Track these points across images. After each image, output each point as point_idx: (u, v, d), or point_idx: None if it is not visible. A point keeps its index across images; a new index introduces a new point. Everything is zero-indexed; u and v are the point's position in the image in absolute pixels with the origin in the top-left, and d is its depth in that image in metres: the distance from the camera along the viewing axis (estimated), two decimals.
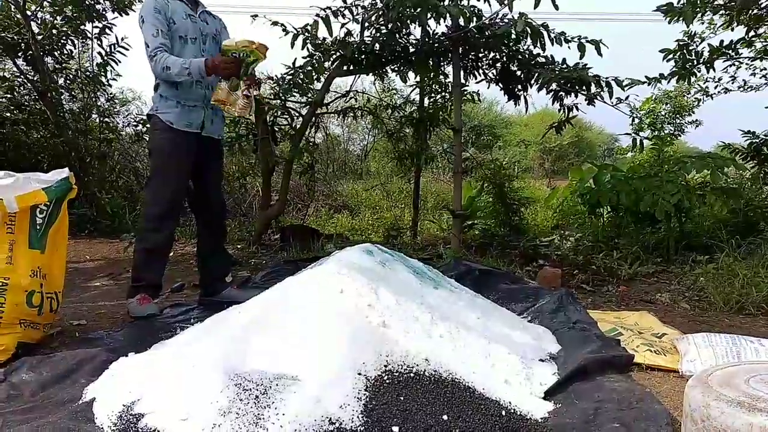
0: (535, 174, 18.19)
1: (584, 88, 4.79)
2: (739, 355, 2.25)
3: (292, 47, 4.70)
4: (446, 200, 9.12)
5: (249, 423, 1.65)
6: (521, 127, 22.19)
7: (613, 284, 3.98)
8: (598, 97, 4.80)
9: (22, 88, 6.78)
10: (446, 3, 4.35)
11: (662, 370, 2.33)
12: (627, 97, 4.86)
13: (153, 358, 2.18)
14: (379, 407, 1.78)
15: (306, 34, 4.71)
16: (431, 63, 5.34)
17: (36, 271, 2.50)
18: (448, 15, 4.35)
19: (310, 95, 5.24)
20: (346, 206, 9.62)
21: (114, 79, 7.01)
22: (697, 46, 5.31)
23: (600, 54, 4.47)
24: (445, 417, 1.78)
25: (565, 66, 4.79)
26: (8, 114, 6.68)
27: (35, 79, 6.50)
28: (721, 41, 5.22)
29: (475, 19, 4.67)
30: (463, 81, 5.20)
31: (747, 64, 6.47)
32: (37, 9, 6.38)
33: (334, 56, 5.10)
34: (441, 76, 5.64)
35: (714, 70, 5.49)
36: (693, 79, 5.71)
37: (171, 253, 5.08)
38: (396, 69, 5.44)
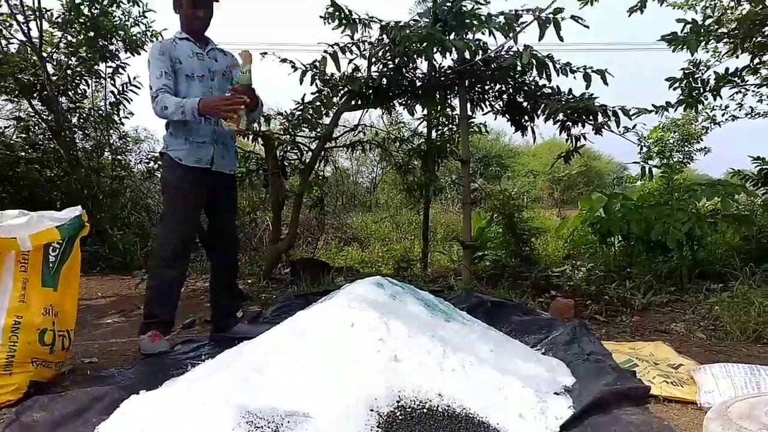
0: (545, 204, 18.16)
1: (591, 117, 4.82)
2: (759, 385, 2.20)
3: (300, 83, 4.77)
4: (456, 231, 9.11)
5: None
6: (529, 158, 22.26)
7: (626, 314, 3.93)
8: (606, 126, 4.83)
9: (36, 127, 6.91)
10: (452, 37, 4.42)
11: (680, 402, 2.29)
12: (634, 126, 4.88)
13: (164, 395, 2.17)
14: None
15: (314, 70, 4.79)
16: (438, 96, 5.40)
17: (48, 309, 2.51)
18: (453, 49, 4.41)
19: (319, 130, 5.30)
20: (355, 239, 9.63)
21: (126, 118, 7.15)
22: (702, 74, 5.34)
23: (606, 83, 4.51)
24: None
25: (571, 96, 4.82)
26: (23, 153, 6.80)
27: (50, 118, 6.62)
28: (727, 69, 5.26)
29: (480, 52, 4.73)
30: (469, 113, 5.24)
31: (753, 91, 6.50)
32: (53, 51, 6.54)
33: (342, 91, 5.16)
34: (448, 109, 5.69)
35: (721, 97, 5.52)
36: (700, 107, 5.74)
37: (182, 289, 5.11)
38: (403, 102, 5.51)
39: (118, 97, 6.85)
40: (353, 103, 5.25)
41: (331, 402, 1.88)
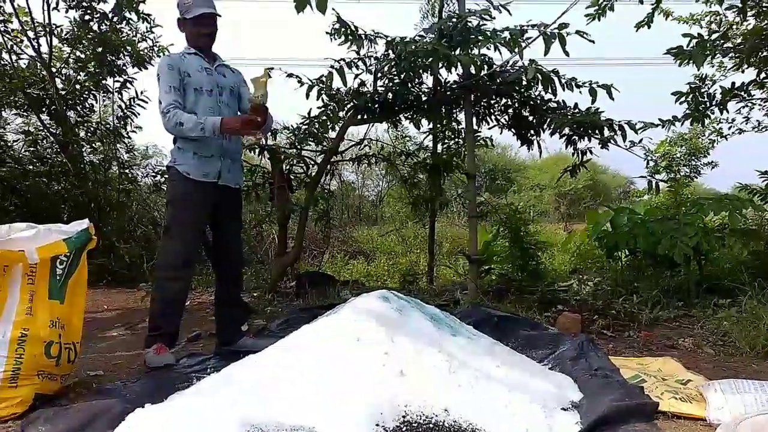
0: (551, 218, 18.14)
1: (597, 132, 4.83)
2: None
3: (307, 98, 4.80)
4: (462, 245, 9.09)
5: None
6: (535, 171, 22.26)
7: (634, 329, 3.90)
8: (612, 140, 4.83)
9: (44, 141, 6.97)
10: (457, 52, 4.44)
11: (688, 418, 2.26)
12: (641, 140, 4.89)
13: (169, 409, 2.16)
14: None
15: (321, 85, 4.82)
16: (443, 110, 5.42)
17: (55, 322, 2.52)
18: (459, 64, 4.43)
19: (325, 144, 5.32)
20: (361, 252, 9.63)
21: (134, 131, 7.20)
22: (708, 88, 5.34)
23: (612, 98, 4.52)
24: None
25: (577, 111, 4.83)
26: (31, 166, 6.85)
27: (58, 132, 6.68)
28: (733, 83, 5.25)
29: (485, 67, 4.76)
30: (475, 127, 5.25)
31: (760, 105, 6.48)
32: (62, 66, 6.61)
33: (348, 106, 5.19)
34: (454, 123, 5.71)
35: (727, 111, 5.51)
36: (707, 121, 5.73)
37: (187, 302, 5.12)
38: (409, 117, 5.53)
39: (125, 111, 6.91)
40: (359, 117, 5.27)
41: (336, 416, 1.87)
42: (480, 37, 4.43)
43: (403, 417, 1.92)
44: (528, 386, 2.32)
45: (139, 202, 7.68)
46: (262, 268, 6.97)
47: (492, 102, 5.32)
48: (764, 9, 5.03)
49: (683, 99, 5.31)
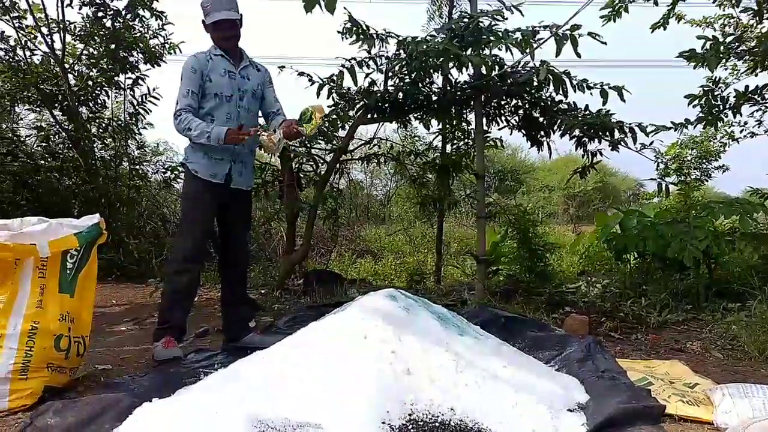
0: (560, 219, 18.06)
1: (607, 134, 4.81)
2: None
3: (317, 96, 4.83)
4: (470, 245, 9.07)
5: None
6: (545, 173, 22.19)
7: (642, 332, 3.88)
8: (622, 142, 4.81)
9: (56, 136, 7.02)
10: (468, 53, 4.44)
11: (695, 421, 2.25)
12: (651, 143, 4.86)
13: (177, 403, 2.18)
14: None
15: (331, 83, 4.83)
16: (453, 110, 5.41)
17: (65, 315, 2.54)
18: (470, 64, 4.42)
19: (334, 143, 5.33)
20: (369, 251, 9.63)
21: (145, 128, 7.25)
22: (722, 91, 5.29)
23: (623, 100, 4.50)
24: None
25: (588, 112, 4.82)
26: (43, 161, 6.90)
27: (70, 128, 6.73)
28: (746, 86, 5.21)
29: (497, 67, 4.75)
30: (485, 128, 5.24)
31: None
32: (75, 62, 6.65)
33: (359, 105, 5.20)
34: (463, 123, 5.70)
35: (741, 115, 5.46)
36: (720, 124, 5.68)
37: (196, 298, 5.14)
38: (419, 116, 5.53)
39: (137, 107, 6.95)
40: (369, 116, 5.27)
41: (343, 414, 1.87)
42: (491, 38, 4.42)
43: (410, 415, 1.92)
44: (535, 387, 2.31)
45: (149, 198, 7.73)
46: (270, 265, 6.99)
47: (502, 103, 5.31)
48: None
49: (696, 102, 5.27)
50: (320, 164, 5.58)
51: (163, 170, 7.55)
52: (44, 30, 6.29)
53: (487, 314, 3.82)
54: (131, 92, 6.94)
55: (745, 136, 7.22)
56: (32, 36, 6.47)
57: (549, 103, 5.02)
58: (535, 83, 4.80)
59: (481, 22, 4.55)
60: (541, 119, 5.17)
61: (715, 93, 5.27)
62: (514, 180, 19.75)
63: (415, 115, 5.51)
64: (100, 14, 6.37)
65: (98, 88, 6.88)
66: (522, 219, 5.51)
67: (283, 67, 4.89)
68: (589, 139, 4.96)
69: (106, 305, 4.91)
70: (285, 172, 5.27)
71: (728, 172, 11.41)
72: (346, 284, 5.52)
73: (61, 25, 6.32)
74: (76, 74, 6.74)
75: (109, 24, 6.43)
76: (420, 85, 5.06)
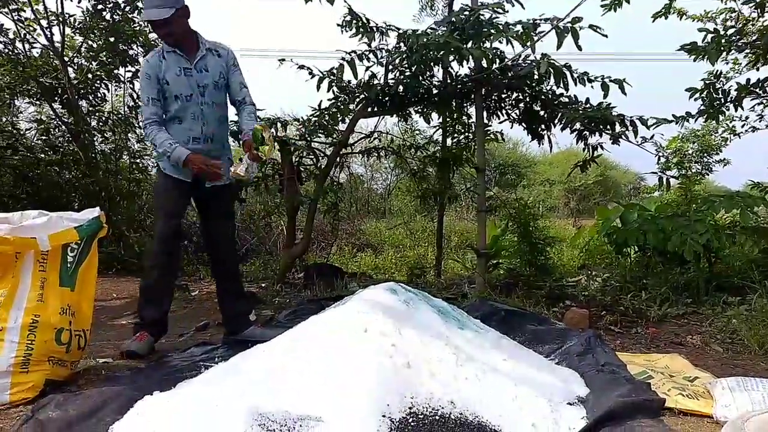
0: (560, 213, 18.04)
1: (608, 127, 4.80)
2: None
3: (318, 90, 4.81)
4: (470, 239, 9.08)
5: None
6: (546, 166, 22.13)
7: (642, 326, 3.89)
8: (623, 136, 4.80)
9: (56, 130, 7.01)
10: (469, 45, 4.42)
11: (695, 415, 2.26)
12: (652, 136, 4.85)
13: (178, 396, 2.18)
14: None
15: (331, 77, 4.82)
16: (454, 104, 5.40)
17: (65, 309, 2.55)
18: (470, 57, 4.41)
19: (335, 136, 5.32)
20: (369, 245, 9.63)
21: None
22: (723, 84, 5.27)
23: (624, 93, 4.48)
24: None
25: (588, 105, 4.80)
26: (43, 155, 6.89)
27: (69, 121, 6.72)
28: (748, 80, 5.19)
29: (497, 60, 4.73)
30: (486, 121, 5.24)
31: None
32: (74, 55, 6.64)
33: (359, 98, 5.19)
34: (464, 117, 5.69)
35: (742, 108, 5.44)
36: (721, 117, 5.66)
37: (195, 292, 5.15)
38: (419, 110, 5.53)
39: (136, 101, 6.94)
40: (369, 109, 5.27)
41: (343, 407, 1.88)
42: (492, 31, 4.40)
43: (410, 408, 1.93)
44: (534, 380, 2.32)
45: (149, 191, 7.72)
46: (270, 258, 7.00)
47: (503, 96, 5.30)
48: None
49: (697, 95, 5.25)
50: (320, 158, 5.58)
51: None
52: (43, 23, 6.28)
53: (487, 308, 3.82)
54: (131, 85, 6.94)
55: (746, 130, 7.20)
56: (31, 29, 6.46)
57: (550, 96, 5.02)
58: (536, 76, 4.79)
59: (482, 14, 4.53)
60: (541, 112, 5.16)
61: (717, 86, 5.26)
62: (514, 174, 19.73)
63: (416, 108, 5.50)
64: (99, 7, 6.35)
65: (98, 81, 6.87)
66: (522, 213, 5.50)
67: (283, 60, 4.87)
68: (590, 133, 4.96)
69: (106, 299, 4.92)
70: (285, 166, 5.27)
71: (729, 166, 11.40)
72: (346, 278, 5.53)
73: (61, 18, 6.30)
74: (75, 67, 6.72)
75: (108, 17, 6.41)
76: (420, 78, 5.05)
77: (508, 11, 4.57)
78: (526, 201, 6.79)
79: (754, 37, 5.35)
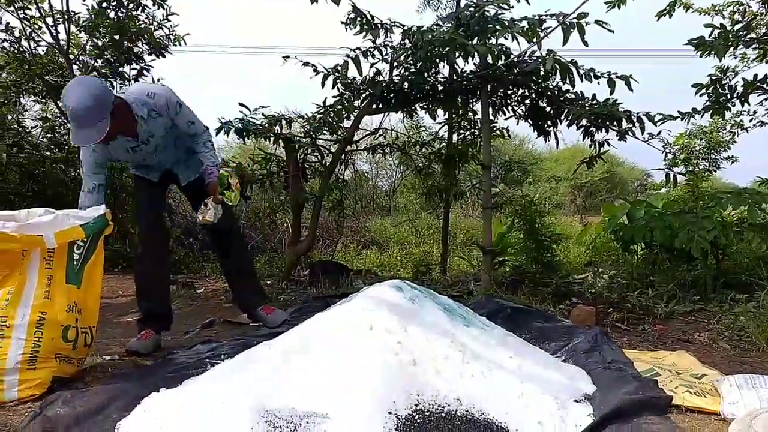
0: (567, 210, 18.01)
1: (615, 123, 4.78)
2: None
3: (322, 87, 4.81)
4: (476, 236, 9.06)
5: None
6: (552, 163, 22.10)
7: (649, 323, 3.87)
8: (630, 132, 4.78)
9: (62, 127, 7.03)
10: (474, 42, 4.41)
11: (703, 412, 2.24)
12: (659, 133, 4.83)
13: (184, 393, 2.19)
14: None
15: (336, 73, 4.81)
16: (460, 100, 5.39)
17: (72, 306, 2.55)
18: (476, 53, 4.39)
19: (339, 133, 5.31)
20: (374, 242, 9.64)
21: None
22: (730, 80, 5.24)
23: (630, 89, 4.46)
24: None
25: (595, 102, 4.78)
26: (48, 153, 6.92)
27: None
28: (755, 75, 5.15)
29: (503, 57, 4.71)
30: (491, 118, 5.22)
31: None
32: (80, 53, 6.65)
33: (364, 95, 5.18)
34: (469, 113, 5.68)
35: (749, 104, 5.40)
36: (728, 115, 5.63)
37: (201, 289, 5.16)
38: (424, 106, 5.51)
39: None
40: (374, 106, 5.26)
41: (349, 404, 1.88)
42: (498, 27, 4.39)
43: (416, 406, 1.92)
44: (541, 378, 2.31)
45: None
46: (275, 256, 7.01)
47: (509, 92, 5.28)
48: None
49: (704, 91, 5.22)
50: (325, 155, 5.58)
51: None
52: (49, 21, 6.28)
53: (493, 305, 3.81)
54: (136, 83, 6.94)
55: (754, 125, 7.15)
56: (37, 27, 6.47)
57: (556, 92, 5.00)
58: (542, 73, 4.77)
59: (487, 11, 4.52)
60: (547, 109, 5.14)
61: (723, 82, 5.22)
62: (520, 170, 19.70)
63: (421, 104, 5.49)
64: (104, 5, 6.36)
65: (103, 79, 6.88)
66: (528, 210, 5.49)
67: (288, 57, 4.87)
68: (597, 129, 4.94)
69: (112, 296, 4.94)
70: (290, 163, 5.27)
71: (737, 163, 11.33)
72: (351, 275, 5.52)
73: (66, 16, 6.31)
74: (80, 65, 6.74)
75: (113, 14, 6.42)
76: (426, 74, 5.04)
77: (513, 7, 4.54)
78: (532, 198, 6.77)
79: (762, 32, 5.31)
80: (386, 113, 5.74)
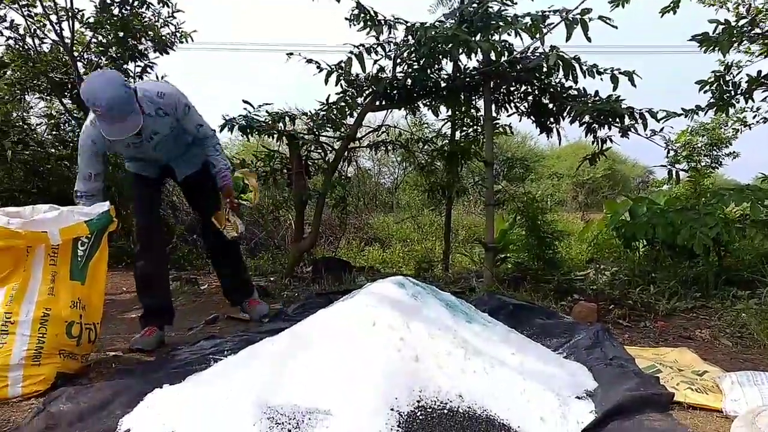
0: (569, 207, 17.99)
1: (617, 120, 4.77)
2: None
3: (326, 84, 4.81)
4: (478, 233, 9.07)
5: None
6: (554, 160, 22.05)
7: (650, 320, 3.87)
8: (632, 129, 4.78)
9: (66, 125, 7.05)
10: (477, 38, 4.41)
11: (704, 409, 2.25)
12: (662, 129, 4.83)
13: (187, 389, 2.20)
14: None
15: (340, 70, 4.81)
16: (462, 97, 5.39)
17: (76, 302, 2.57)
18: (479, 50, 4.40)
19: (343, 130, 5.32)
20: (377, 239, 9.65)
21: None
22: (734, 76, 5.22)
23: (634, 85, 4.46)
24: None
25: (597, 98, 4.78)
26: (53, 150, 6.93)
27: (80, 116, 6.75)
28: (759, 72, 5.14)
29: (506, 53, 4.71)
30: (494, 114, 5.22)
31: None
32: (84, 50, 6.66)
33: (367, 92, 5.18)
34: (472, 110, 5.68)
35: (753, 100, 5.38)
36: (731, 110, 5.61)
37: (204, 286, 5.17)
38: (428, 103, 5.51)
39: None
40: (377, 103, 5.26)
41: (351, 400, 1.89)
42: (501, 23, 4.39)
43: (418, 402, 1.93)
44: (543, 374, 2.32)
45: None
46: (279, 253, 7.02)
47: (512, 89, 5.28)
48: None
49: (707, 88, 5.20)
50: (328, 152, 5.58)
51: None
52: (53, 18, 6.29)
53: (495, 301, 3.82)
54: (140, 80, 6.95)
55: (758, 121, 7.14)
56: (41, 24, 6.48)
57: (558, 89, 4.99)
58: (545, 69, 4.77)
59: (491, 7, 4.51)
60: (550, 105, 5.14)
61: (727, 78, 5.20)
62: (522, 167, 19.67)
63: (424, 101, 5.49)
64: (108, 2, 6.36)
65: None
66: (530, 206, 5.49)
67: (291, 54, 4.88)
68: (599, 126, 4.93)
69: (116, 292, 4.95)
70: (293, 160, 5.28)
71: (739, 159, 11.31)
72: (354, 272, 5.54)
73: (70, 13, 6.31)
74: (85, 62, 6.75)
75: (117, 11, 6.43)
76: (429, 71, 5.04)
77: (516, 3, 4.56)
78: (535, 195, 6.77)
79: (766, 27, 5.29)
80: (389, 110, 5.74)
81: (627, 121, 4.74)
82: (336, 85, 4.92)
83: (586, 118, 4.84)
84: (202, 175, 3.42)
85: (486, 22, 4.47)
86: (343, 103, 5.00)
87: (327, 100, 5.10)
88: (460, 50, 4.39)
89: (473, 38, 4.33)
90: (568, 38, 3.99)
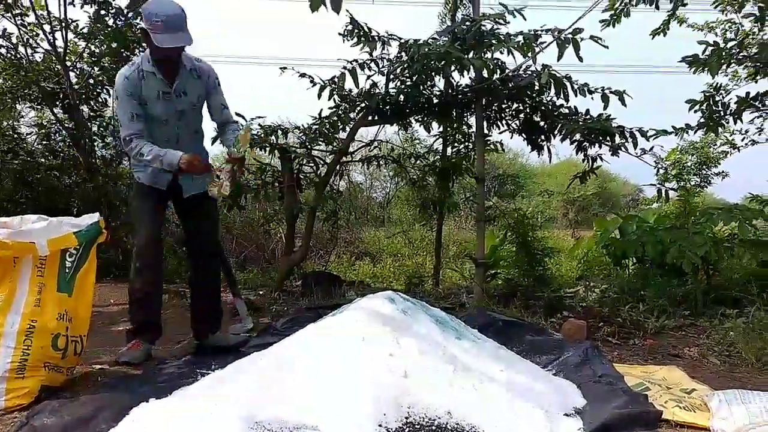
0: (559, 224, 18.07)
1: (608, 138, 4.81)
2: None
3: (319, 98, 4.83)
4: (469, 249, 9.08)
5: None
6: (545, 177, 22.20)
7: (639, 337, 3.88)
8: (623, 147, 4.82)
9: (57, 135, 7.03)
10: (470, 56, 4.45)
11: (692, 427, 2.25)
12: (651, 148, 4.87)
13: (173, 404, 2.17)
14: None
15: (333, 85, 4.84)
16: (454, 113, 5.42)
17: (63, 315, 2.54)
18: (471, 67, 4.43)
19: (335, 144, 5.33)
20: (367, 253, 9.64)
21: None
22: (723, 97, 5.29)
23: (624, 104, 4.51)
24: None
25: (588, 117, 4.82)
26: (43, 160, 6.90)
27: (70, 126, 6.73)
28: (747, 93, 5.21)
29: (498, 71, 4.76)
30: (486, 131, 5.25)
31: None
32: (77, 60, 6.66)
33: (360, 107, 5.21)
34: (464, 127, 5.71)
35: (741, 121, 5.45)
36: (720, 130, 5.68)
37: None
38: (420, 119, 5.54)
39: None
40: (370, 118, 5.28)
41: (339, 416, 1.87)
42: (493, 41, 4.44)
43: (406, 418, 1.92)
44: (532, 391, 2.31)
45: None
46: (268, 266, 6.99)
47: (503, 106, 5.32)
48: None
49: (697, 107, 5.26)
50: (320, 166, 5.59)
51: None
52: (46, 28, 6.30)
53: (485, 318, 3.81)
54: None
55: (746, 144, 7.23)
56: (34, 34, 6.48)
57: (550, 107, 5.04)
58: (537, 87, 4.81)
59: (484, 25, 4.56)
60: (541, 123, 5.18)
61: (716, 99, 5.27)
62: (514, 184, 19.76)
63: (416, 117, 5.52)
64: (102, 12, 6.37)
65: (99, 87, 6.89)
66: (521, 223, 5.51)
67: (285, 68, 4.89)
68: (590, 144, 4.97)
69: (104, 304, 4.90)
70: (285, 174, 5.28)
71: (728, 179, 11.43)
72: (344, 286, 5.52)
73: (63, 23, 6.32)
74: (77, 72, 6.74)
75: (111, 22, 6.44)
76: (421, 87, 5.08)
77: (509, 22, 4.60)
78: (525, 211, 6.82)
79: (753, 50, 5.38)
80: (381, 125, 5.77)
81: (617, 139, 4.78)
82: (329, 99, 4.95)
83: (577, 136, 4.88)
84: (204, 198, 3.34)
85: (479, 40, 4.52)
86: (335, 118, 5.02)
87: (319, 114, 5.12)
88: (453, 67, 4.43)
89: (466, 56, 4.38)
90: (559, 57, 4.04)
